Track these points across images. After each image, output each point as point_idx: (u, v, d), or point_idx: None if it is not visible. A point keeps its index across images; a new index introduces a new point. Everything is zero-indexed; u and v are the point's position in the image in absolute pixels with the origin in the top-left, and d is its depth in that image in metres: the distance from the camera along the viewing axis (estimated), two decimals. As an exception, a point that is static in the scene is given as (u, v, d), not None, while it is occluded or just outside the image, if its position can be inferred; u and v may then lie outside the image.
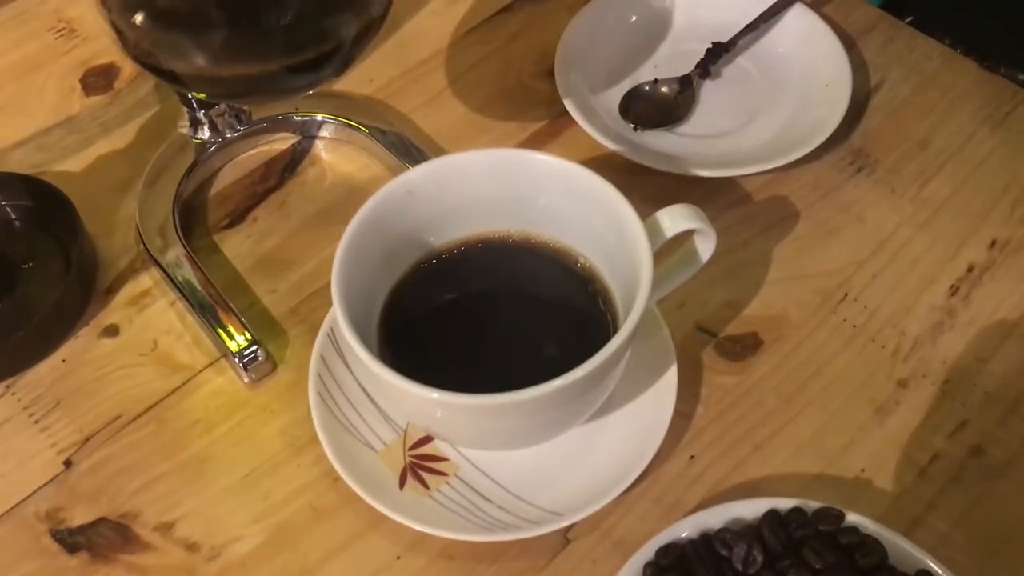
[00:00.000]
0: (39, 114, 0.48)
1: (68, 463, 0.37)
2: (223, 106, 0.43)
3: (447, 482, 0.35)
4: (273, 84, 0.32)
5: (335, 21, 0.30)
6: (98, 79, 0.49)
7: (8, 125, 0.47)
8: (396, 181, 0.34)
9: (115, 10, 0.30)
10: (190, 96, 0.43)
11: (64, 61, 0.50)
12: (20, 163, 0.45)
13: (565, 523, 0.33)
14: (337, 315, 0.31)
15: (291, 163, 0.45)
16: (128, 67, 0.50)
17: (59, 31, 0.52)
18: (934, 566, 0.31)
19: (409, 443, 0.36)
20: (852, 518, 0.32)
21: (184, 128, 0.44)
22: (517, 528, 0.33)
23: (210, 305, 0.39)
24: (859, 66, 0.47)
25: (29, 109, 0.48)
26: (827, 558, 0.30)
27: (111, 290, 0.41)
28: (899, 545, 0.31)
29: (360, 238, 0.33)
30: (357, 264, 0.32)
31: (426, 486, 0.35)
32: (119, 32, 0.30)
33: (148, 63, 0.32)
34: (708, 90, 0.46)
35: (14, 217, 0.43)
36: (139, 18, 0.30)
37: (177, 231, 0.41)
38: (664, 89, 0.45)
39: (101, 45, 0.51)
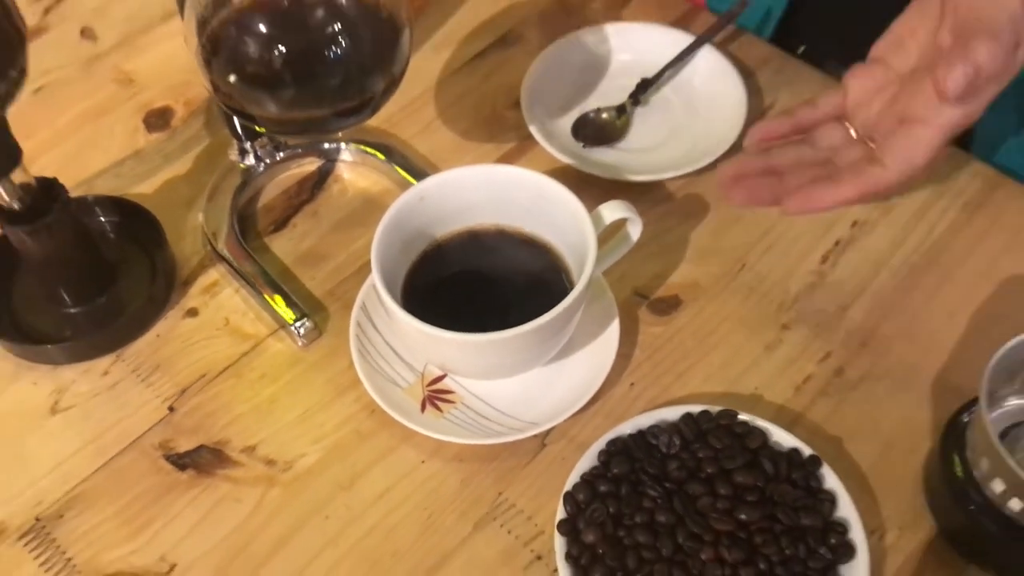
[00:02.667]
0: (112, 149, 0.60)
1: (171, 408, 0.49)
2: (265, 138, 0.56)
3: (455, 407, 0.48)
4: (323, 126, 0.45)
5: (370, 81, 0.43)
6: (157, 119, 0.62)
7: (88, 159, 0.60)
8: (411, 191, 0.47)
9: (215, 72, 0.43)
10: (239, 131, 0.56)
11: (127, 106, 0.63)
12: (103, 188, 0.58)
13: (540, 430, 0.46)
14: (377, 286, 0.44)
15: (319, 181, 0.58)
16: (181, 109, 0.62)
17: (120, 82, 0.64)
18: (801, 444, 0.44)
19: (426, 382, 0.49)
20: (744, 416, 0.45)
21: (234, 156, 0.57)
22: (507, 435, 0.46)
23: (267, 289, 0.52)
24: (755, 91, 0.61)
25: (103, 146, 0.61)
26: (724, 441, 0.44)
27: (188, 282, 0.54)
28: (778, 433, 0.45)
29: (387, 232, 0.46)
30: (386, 250, 0.45)
31: (439, 410, 0.47)
32: (216, 87, 0.43)
33: (235, 109, 0.44)
34: (639, 115, 0.60)
35: (108, 229, 0.55)
36: (232, 79, 0.42)
37: (236, 235, 0.54)
38: (605, 115, 0.59)
39: (156, 92, 0.63)
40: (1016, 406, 0.44)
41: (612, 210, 0.47)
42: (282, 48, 0.42)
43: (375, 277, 0.44)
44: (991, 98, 0.44)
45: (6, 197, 0.47)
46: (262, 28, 0.42)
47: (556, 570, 0.42)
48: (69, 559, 0.44)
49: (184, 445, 0.48)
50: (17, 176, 0.46)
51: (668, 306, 0.52)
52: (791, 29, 0.65)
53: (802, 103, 0.50)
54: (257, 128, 0.50)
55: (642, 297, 0.52)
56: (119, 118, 0.62)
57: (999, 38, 0.42)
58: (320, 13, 0.43)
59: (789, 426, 0.46)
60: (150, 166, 0.59)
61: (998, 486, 0.40)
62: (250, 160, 0.57)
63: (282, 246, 0.55)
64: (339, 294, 0.53)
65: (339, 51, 0.43)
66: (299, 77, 0.43)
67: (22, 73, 0.43)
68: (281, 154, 0.57)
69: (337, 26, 0.42)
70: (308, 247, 0.55)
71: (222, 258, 0.53)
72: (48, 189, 0.48)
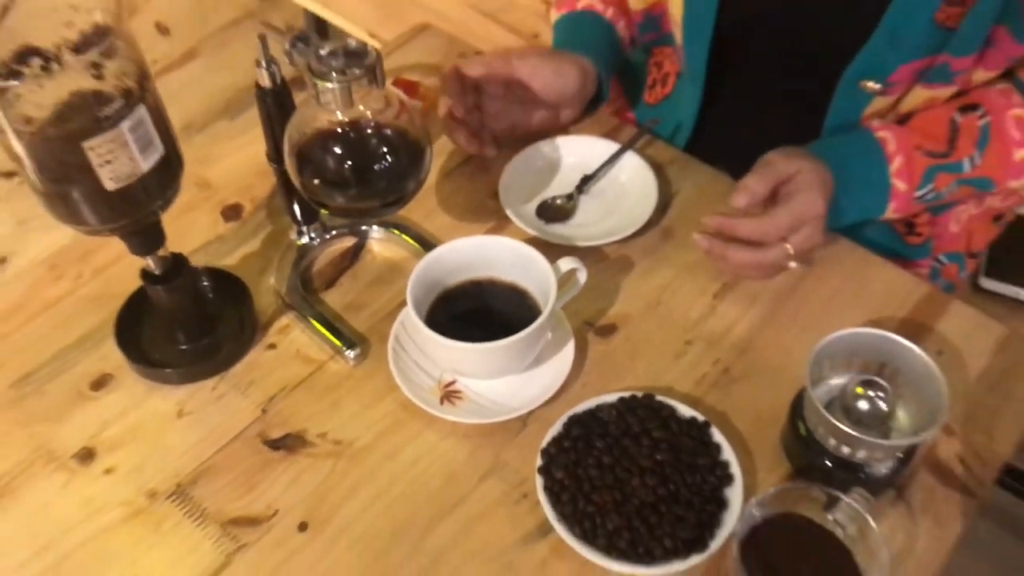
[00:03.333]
0: (200, 235, 0.82)
1: (264, 411, 0.70)
2: (318, 222, 0.79)
3: (463, 401, 0.69)
4: (373, 214, 0.68)
5: (404, 184, 0.66)
6: (231, 212, 0.84)
7: (185, 242, 0.81)
8: (430, 254, 0.69)
9: (304, 176, 0.65)
10: (299, 218, 0.78)
11: (208, 204, 0.85)
12: (198, 262, 0.79)
13: (522, 413, 0.68)
14: (412, 315, 0.66)
15: (356, 252, 0.80)
16: (248, 204, 0.84)
17: (200, 186, 0.86)
18: (698, 414, 0.66)
19: (442, 385, 0.70)
20: (659, 398, 0.67)
21: (294, 236, 0.79)
22: (500, 416, 0.67)
23: (325, 328, 0.73)
24: (665, 183, 0.84)
25: (194, 233, 0.82)
26: (645, 412, 0.66)
27: (266, 326, 0.75)
28: (682, 408, 0.67)
29: (415, 281, 0.68)
30: (415, 293, 0.67)
31: (453, 403, 0.69)
32: (304, 187, 0.66)
33: (315, 200, 0.67)
34: (583, 200, 0.83)
35: (210, 290, 0.76)
36: (316, 181, 0.65)
37: (300, 291, 0.76)
38: (559, 201, 0.82)
39: (228, 192, 0.85)
40: (835, 384, 0.66)
41: (566, 263, 0.69)
42: (348, 162, 0.65)
43: (410, 309, 0.66)
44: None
45: (152, 265, 0.69)
46: (335, 149, 0.65)
47: (538, 502, 0.63)
48: (204, 509, 0.65)
49: (275, 434, 0.69)
50: (160, 252, 0.68)
51: (607, 331, 0.74)
52: (704, 138, 0.90)
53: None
54: (326, 212, 0.72)
55: (589, 325, 0.75)
56: (203, 212, 0.84)
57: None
58: (371, 138, 0.66)
59: (691, 406, 0.68)
60: (230, 246, 0.81)
61: (825, 437, 0.62)
62: (305, 239, 0.79)
63: (332, 299, 0.77)
64: (376, 331, 0.75)
65: (384, 165, 0.66)
66: (358, 181, 0.65)
67: (177, 190, 0.65)
68: (327, 235, 0.80)
69: (383, 148, 0.65)
70: (351, 299, 0.77)
71: (291, 307, 0.75)
72: (177, 260, 0.70)
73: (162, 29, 1.48)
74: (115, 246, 0.71)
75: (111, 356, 0.73)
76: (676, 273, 0.78)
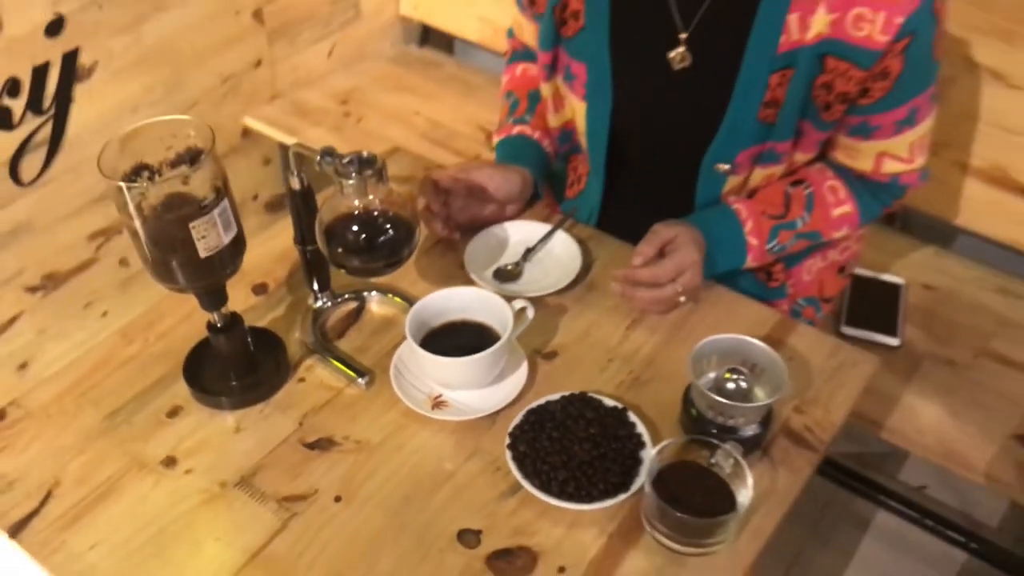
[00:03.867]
0: (236, 306, 1.07)
1: (300, 424, 0.94)
2: (328, 290, 1.05)
3: (448, 407, 0.95)
4: (379, 272, 0.94)
5: (401, 252, 0.93)
6: (260, 288, 1.09)
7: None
8: (421, 301, 0.96)
9: (331, 247, 0.92)
10: (315, 288, 1.04)
11: (241, 283, 1.10)
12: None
13: (492, 412, 0.93)
14: (411, 342, 0.92)
15: (358, 312, 1.06)
16: (272, 283, 1.10)
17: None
18: (618, 404, 0.93)
19: (432, 397, 0.96)
20: (590, 394, 0.94)
21: (310, 301, 1.05)
22: (476, 415, 0.93)
23: (342, 364, 0.99)
24: (586, 252, 1.12)
25: (231, 305, 1.07)
26: (581, 405, 0.92)
27: (296, 366, 1.00)
28: (607, 401, 0.93)
29: (410, 321, 0.94)
30: (411, 330, 0.93)
31: (440, 409, 0.94)
32: (331, 253, 0.93)
33: (336, 263, 0.94)
34: (527, 266, 1.11)
35: (251, 342, 1.01)
36: (340, 249, 0.92)
37: (319, 340, 1.01)
38: (510, 267, 1.10)
39: (256, 275, 1.11)
40: (711, 376, 0.93)
41: (518, 303, 0.97)
42: (362, 235, 0.92)
43: (408, 337, 0.92)
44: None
45: (216, 319, 0.94)
46: (353, 226, 0.92)
47: (508, 471, 0.88)
48: (263, 492, 0.89)
49: (310, 439, 0.93)
50: (223, 310, 0.94)
51: (551, 355, 1.01)
52: (610, 218, 1.19)
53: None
54: (345, 272, 0.98)
55: (537, 352, 1.01)
56: (237, 290, 1.09)
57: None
58: (378, 219, 0.93)
59: (613, 400, 0.94)
60: (260, 313, 1.06)
61: (706, 411, 0.89)
62: (320, 303, 1.05)
63: (344, 345, 1.03)
64: (379, 364, 1.00)
65: (387, 237, 0.93)
66: (368, 249, 0.92)
67: (241, 262, 0.90)
68: (337, 299, 1.06)
69: (387, 226, 0.93)
70: (358, 345, 1.03)
71: (314, 352, 1.00)
72: (234, 316, 0.95)
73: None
74: (168, 320, 0.98)
75: (180, 392, 0.98)
76: (598, 313, 1.06)
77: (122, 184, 0.80)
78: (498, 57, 1.90)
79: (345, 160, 0.90)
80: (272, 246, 1.14)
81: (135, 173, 0.84)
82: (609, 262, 1.12)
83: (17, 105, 1.47)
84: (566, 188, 1.28)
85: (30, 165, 1.53)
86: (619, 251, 1.13)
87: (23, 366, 1.66)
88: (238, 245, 0.89)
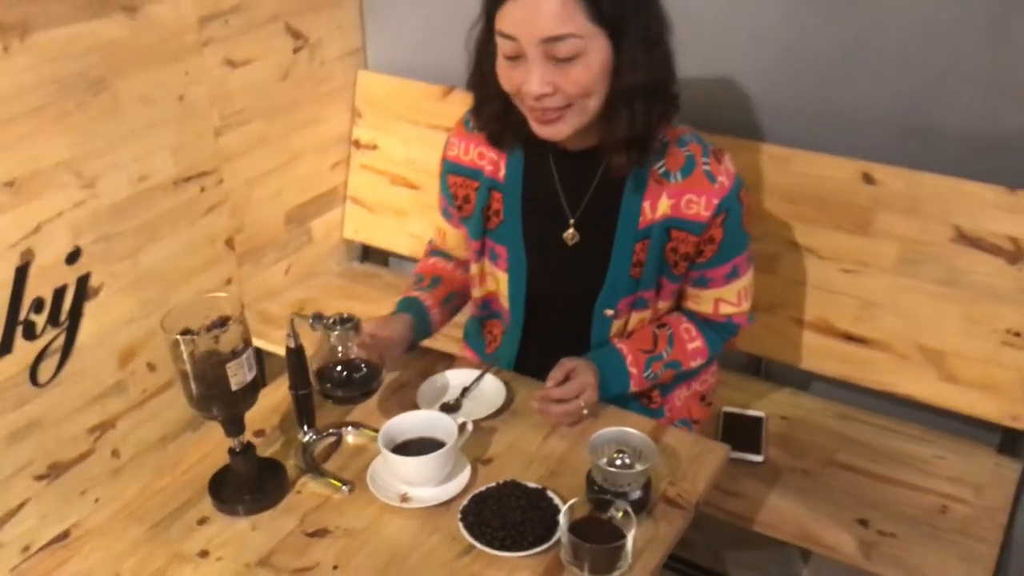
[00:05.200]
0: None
1: (301, 520, 1.25)
2: (314, 428, 1.37)
3: (412, 500, 1.26)
4: (355, 400, 1.29)
5: (373, 383, 1.28)
6: (259, 432, 1.41)
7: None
8: (386, 424, 1.30)
9: (321, 383, 1.26)
10: (304, 427, 1.37)
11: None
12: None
13: (446, 500, 1.25)
14: (384, 452, 1.24)
15: (338, 442, 1.39)
16: (269, 428, 1.42)
17: (236, 422, 1.44)
18: (540, 487, 1.26)
19: (400, 495, 1.27)
20: (519, 481, 1.27)
21: (301, 436, 1.37)
22: (434, 503, 1.25)
23: (329, 478, 1.30)
24: (509, 388, 1.48)
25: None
26: (512, 487, 1.25)
27: (293, 483, 1.31)
28: (532, 484, 1.26)
29: (382, 437, 1.27)
30: (383, 442, 1.27)
31: (407, 501, 1.26)
32: (321, 388, 1.27)
33: (324, 394, 1.27)
34: (465, 402, 1.45)
35: (261, 465, 1.32)
36: (328, 385, 1.26)
37: (311, 463, 1.33)
38: (451, 402, 1.44)
39: (255, 424, 1.43)
40: (605, 459, 1.27)
41: (459, 419, 1.31)
42: (344, 373, 1.27)
43: (381, 448, 1.25)
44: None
45: (235, 445, 1.26)
46: (337, 367, 1.27)
47: (462, 538, 1.19)
48: (278, 568, 1.18)
49: (310, 529, 1.23)
50: (241, 437, 1.26)
51: (488, 461, 1.34)
52: (526, 362, 1.56)
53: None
54: (332, 402, 1.31)
55: (477, 459, 1.34)
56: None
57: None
58: (356, 361, 1.28)
59: (536, 481, 1.27)
60: (263, 448, 1.38)
61: (602, 480, 1.23)
62: (308, 437, 1.37)
63: (330, 466, 1.34)
64: (359, 477, 1.31)
65: (361, 374, 1.28)
66: (348, 383, 1.27)
67: (257, 398, 1.24)
68: (322, 434, 1.38)
69: (362, 365, 1.28)
70: (339, 466, 1.34)
71: (306, 472, 1.32)
72: (249, 443, 1.27)
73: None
74: (190, 459, 1.29)
75: (206, 507, 1.27)
76: (522, 430, 1.40)
77: (179, 337, 1.15)
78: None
79: (330, 320, 1.26)
80: (263, 405, 1.47)
81: (183, 333, 1.19)
82: (527, 395, 1.47)
83: (40, 320, 1.80)
84: (485, 347, 1.65)
85: (46, 369, 1.84)
86: (534, 386, 1.49)
87: (26, 548, 1.89)
88: (255, 385, 1.23)
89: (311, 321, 1.27)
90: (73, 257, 1.83)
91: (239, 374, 1.18)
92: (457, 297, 1.63)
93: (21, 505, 1.87)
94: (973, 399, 1.78)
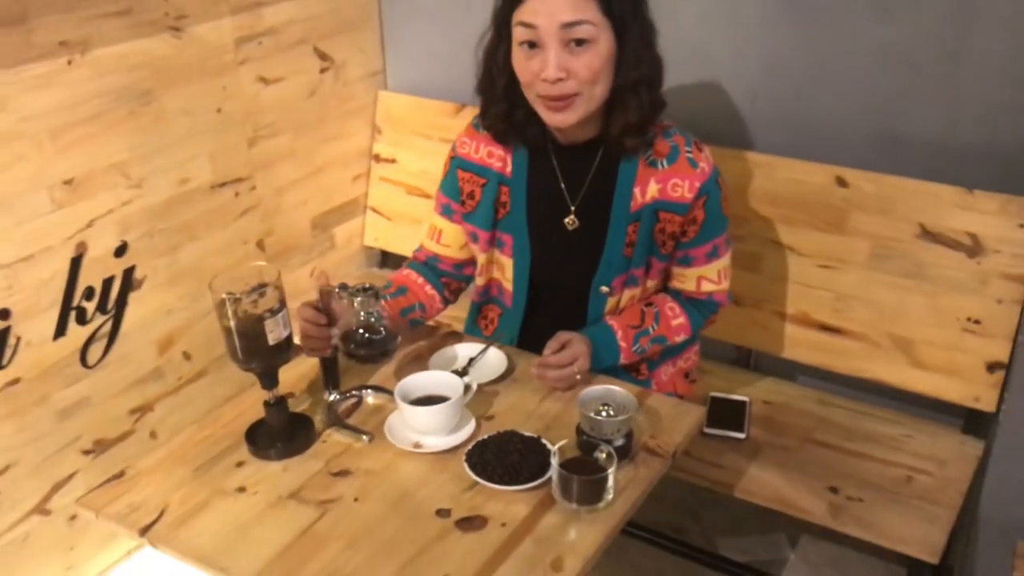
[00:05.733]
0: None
1: (326, 463, 1.42)
2: (337, 390, 1.55)
3: (424, 447, 1.44)
4: (375, 358, 1.47)
5: (389, 345, 1.46)
6: (289, 395, 1.60)
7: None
8: (401, 382, 1.48)
9: (345, 343, 1.45)
10: (329, 386, 1.55)
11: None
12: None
13: (454, 446, 1.43)
14: (400, 403, 1.42)
15: (359, 404, 1.56)
16: (298, 391, 1.60)
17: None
18: (535, 435, 1.43)
19: (412, 443, 1.45)
20: (516, 431, 1.44)
21: (327, 396, 1.55)
22: (443, 448, 1.42)
23: (351, 430, 1.48)
24: (510, 360, 1.66)
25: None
26: (510, 435, 1.42)
27: (319, 434, 1.49)
28: (528, 433, 1.43)
29: (398, 392, 1.45)
30: (399, 396, 1.45)
31: (419, 447, 1.43)
32: (345, 347, 1.45)
33: (347, 353, 1.46)
34: (471, 369, 1.63)
35: (293, 419, 1.50)
36: (352, 345, 1.45)
37: (337, 419, 1.51)
38: (459, 370, 1.62)
39: (284, 387, 1.61)
40: (594, 415, 1.44)
41: (466, 379, 1.49)
42: (365, 334, 1.45)
43: (397, 399, 1.43)
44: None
45: (270, 397, 1.44)
46: (359, 329, 1.45)
47: (466, 475, 1.37)
48: (306, 499, 1.35)
49: (335, 469, 1.41)
50: (275, 391, 1.44)
51: (490, 419, 1.51)
52: (526, 338, 1.74)
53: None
54: (355, 361, 1.49)
55: (481, 416, 1.52)
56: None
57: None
58: (377, 323, 1.46)
59: (536, 431, 1.44)
60: (296, 408, 1.56)
61: (589, 429, 1.40)
62: (333, 397, 1.55)
63: (351, 422, 1.52)
64: (377, 430, 1.49)
65: (380, 336, 1.46)
66: (369, 343, 1.45)
67: (291, 355, 1.42)
68: (345, 395, 1.56)
69: (380, 327, 1.46)
70: (360, 421, 1.52)
71: (331, 425, 1.50)
72: (282, 397, 1.46)
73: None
74: (226, 417, 1.47)
75: (242, 454, 1.45)
76: (521, 394, 1.58)
77: (224, 296, 1.34)
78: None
79: (355, 288, 1.45)
80: (292, 372, 1.65)
81: (227, 295, 1.37)
82: (526, 366, 1.64)
83: (90, 307, 1.99)
84: (482, 332, 1.84)
85: (94, 352, 2.03)
86: (533, 359, 1.66)
87: (72, 518, 2.07)
88: (289, 342, 1.41)
89: (337, 290, 1.46)
90: (121, 251, 2.03)
91: (275, 330, 1.37)
92: (419, 310, 1.74)
93: (70, 476, 2.05)
94: (939, 383, 1.94)
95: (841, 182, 1.98)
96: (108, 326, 2.05)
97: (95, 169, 1.93)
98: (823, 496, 1.78)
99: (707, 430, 1.93)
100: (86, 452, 2.07)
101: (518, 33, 1.49)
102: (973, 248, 1.87)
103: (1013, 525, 1.79)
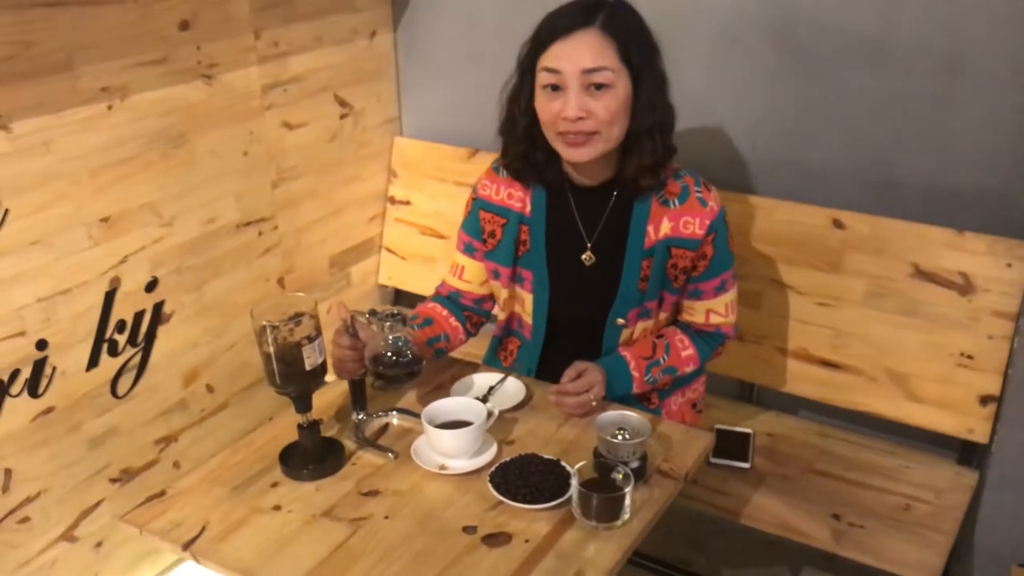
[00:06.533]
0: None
1: (357, 484, 1.50)
2: (365, 411, 1.64)
3: (448, 469, 1.52)
4: (401, 380, 1.55)
5: (416, 367, 1.55)
6: (320, 419, 1.68)
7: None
8: (428, 407, 1.56)
9: (373, 364, 1.54)
10: (356, 408, 1.63)
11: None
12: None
13: (477, 468, 1.51)
14: (427, 427, 1.51)
15: (385, 427, 1.65)
16: (325, 418, 1.68)
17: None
18: (554, 458, 1.51)
19: (438, 465, 1.53)
20: (537, 454, 1.52)
21: (354, 417, 1.63)
22: (467, 470, 1.51)
23: (379, 450, 1.56)
24: (528, 389, 1.74)
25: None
26: (531, 457, 1.51)
27: (349, 457, 1.57)
28: (548, 456, 1.52)
29: (425, 417, 1.54)
30: (425, 420, 1.53)
31: (444, 469, 1.52)
32: (374, 369, 1.54)
33: (375, 374, 1.54)
34: (491, 397, 1.71)
35: (323, 444, 1.58)
36: (380, 368, 1.53)
37: (364, 440, 1.59)
38: (480, 397, 1.71)
39: (315, 413, 1.70)
40: (611, 438, 1.53)
41: (489, 406, 1.58)
42: (393, 356, 1.54)
43: (424, 423, 1.51)
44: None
45: (304, 421, 1.52)
46: (387, 352, 1.54)
47: (490, 495, 1.45)
48: (339, 517, 1.43)
49: (365, 490, 1.49)
50: (308, 415, 1.52)
51: (511, 443, 1.60)
52: (544, 369, 1.82)
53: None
54: (382, 382, 1.58)
55: (502, 440, 1.60)
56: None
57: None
58: (403, 348, 1.55)
59: (555, 455, 1.52)
60: (325, 433, 1.64)
61: (606, 451, 1.49)
62: (359, 417, 1.64)
63: (384, 440, 1.60)
64: (403, 451, 1.57)
65: (406, 359, 1.55)
66: (396, 364, 1.54)
67: (324, 380, 1.51)
68: (372, 416, 1.65)
69: (407, 351, 1.55)
70: (387, 443, 1.60)
71: (360, 446, 1.58)
72: (315, 421, 1.54)
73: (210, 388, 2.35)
74: (258, 442, 1.56)
75: (276, 475, 1.53)
76: (539, 420, 1.66)
77: (265, 324, 1.43)
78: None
79: (383, 314, 1.54)
80: (319, 400, 1.74)
81: (267, 324, 1.46)
82: (543, 395, 1.73)
83: (121, 339, 2.08)
84: (501, 363, 1.93)
85: (124, 383, 2.11)
86: (548, 388, 1.75)
87: (98, 545, 2.14)
88: (324, 367, 1.50)
89: (367, 316, 1.55)
90: (151, 286, 2.12)
91: (312, 356, 1.46)
92: (443, 340, 1.81)
93: (97, 504, 2.12)
94: (934, 416, 2.03)
95: (838, 224, 2.09)
96: (138, 358, 2.13)
97: (129, 208, 2.03)
98: (826, 523, 1.86)
99: (713, 460, 2.02)
100: (113, 480, 2.14)
101: (542, 77, 1.61)
102: (964, 287, 1.96)
103: (1008, 551, 1.88)
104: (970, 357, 1.97)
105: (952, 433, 2.02)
